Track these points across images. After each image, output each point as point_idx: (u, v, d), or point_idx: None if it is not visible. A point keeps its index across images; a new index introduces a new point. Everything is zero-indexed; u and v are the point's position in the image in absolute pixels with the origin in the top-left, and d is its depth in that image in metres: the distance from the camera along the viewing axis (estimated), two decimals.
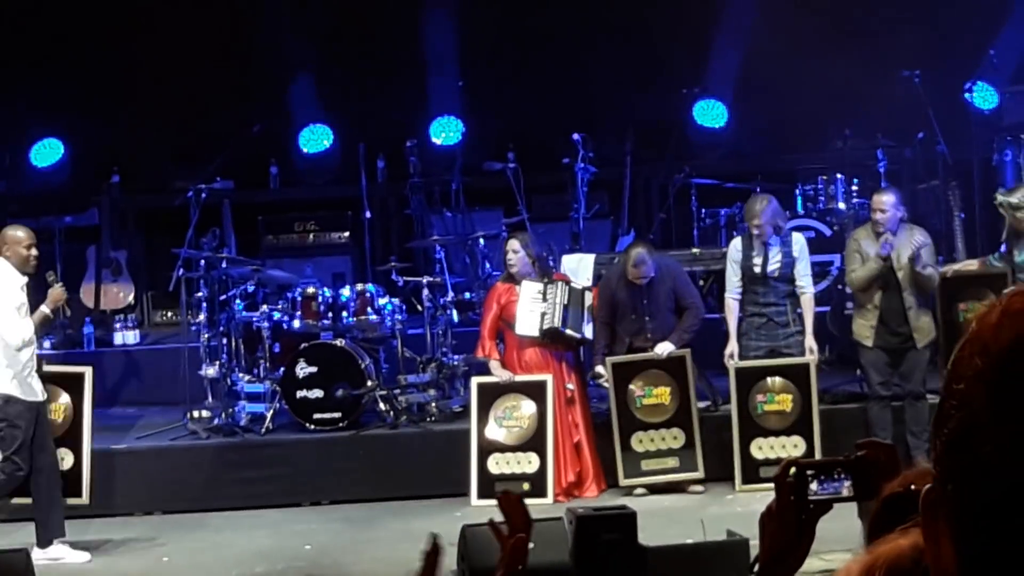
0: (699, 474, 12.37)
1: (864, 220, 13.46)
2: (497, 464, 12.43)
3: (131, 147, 17.47)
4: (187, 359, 13.66)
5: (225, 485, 12.80)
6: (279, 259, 16.51)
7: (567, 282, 12.73)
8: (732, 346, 12.52)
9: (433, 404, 13.37)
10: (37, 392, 11.06)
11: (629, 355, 12.54)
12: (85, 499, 11.92)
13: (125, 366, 15.33)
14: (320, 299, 13.57)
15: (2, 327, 10.83)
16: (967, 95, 16.67)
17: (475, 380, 12.73)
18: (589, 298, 12.69)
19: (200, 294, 13.75)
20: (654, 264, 12.38)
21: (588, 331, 12.63)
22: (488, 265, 15.21)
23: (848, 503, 2.69)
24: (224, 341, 13.64)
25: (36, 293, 11.41)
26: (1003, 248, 12.56)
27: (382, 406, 13.23)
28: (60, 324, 14.87)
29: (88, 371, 12.19)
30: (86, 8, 17.46)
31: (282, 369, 13.24)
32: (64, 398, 12.01)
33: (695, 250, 14.76)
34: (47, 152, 17.91)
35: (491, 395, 12.57)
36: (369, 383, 13.12)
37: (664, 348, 12.42)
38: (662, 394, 12.49)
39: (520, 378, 12.54)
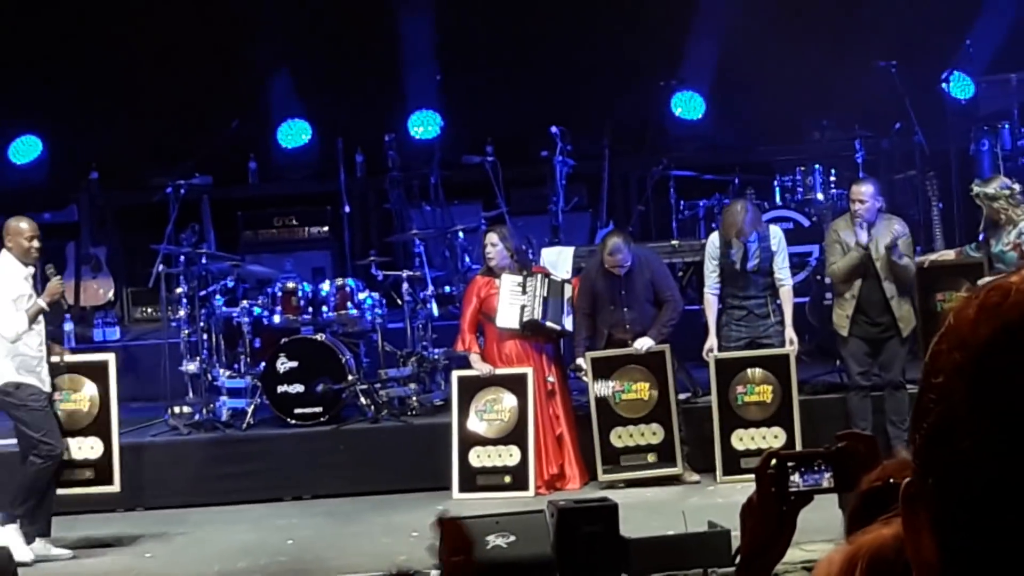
0: (678, 470, 12.37)
1: (842, 211, 13.48)
2: (479, 457, 12.45)
3: (110, 144, 17.43)
4: (167, 355, 13.66)
5: (206, 481, 12.79)
6: (258, 254, 16.51)
7: (546, 275, 12.75)
8: (712, 341, 12.54)
9: (414, 398, 13.38)
10: (45, 383, 11.07)
11: (608, 350, 12.55)
12: (116, 487, 11.88)
13: None
14: (300, 294, 13.56)
15: None
16: (943, 85, 16.70)
17: (456, 374, 12.74)
18: (569, 290, 12.71)
19: (180, 290, 13.74)
20: (631, 254, 12.40)
21: (568, 323, 12.65)
22: (468, 259, 15.23)
23: (829, 494, 2.71)
24: (204, 337, 13.62)
25: (38, 285, 11.41)
26: (981, 238, 12.60)
27: (363, 400, 13.23)
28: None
29: (111, 359, 12.14)
30: (64, 6, 17.43)
31: (262, 364, 13.24)
32: (89, 387, 11.89)
33: (674, 242, 14.80)
34: (26, 149, 17.88)
35: (472, 388, 12.58)
36: (350, 377, 13.12)
37: (643, 344, 12.43)
38: (641, 390, 12.50)
39: (501, 371, 12.55)
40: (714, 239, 12.74)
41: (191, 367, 13.51)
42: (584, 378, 12.54)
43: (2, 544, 10.77)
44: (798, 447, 11.50)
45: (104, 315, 16.03)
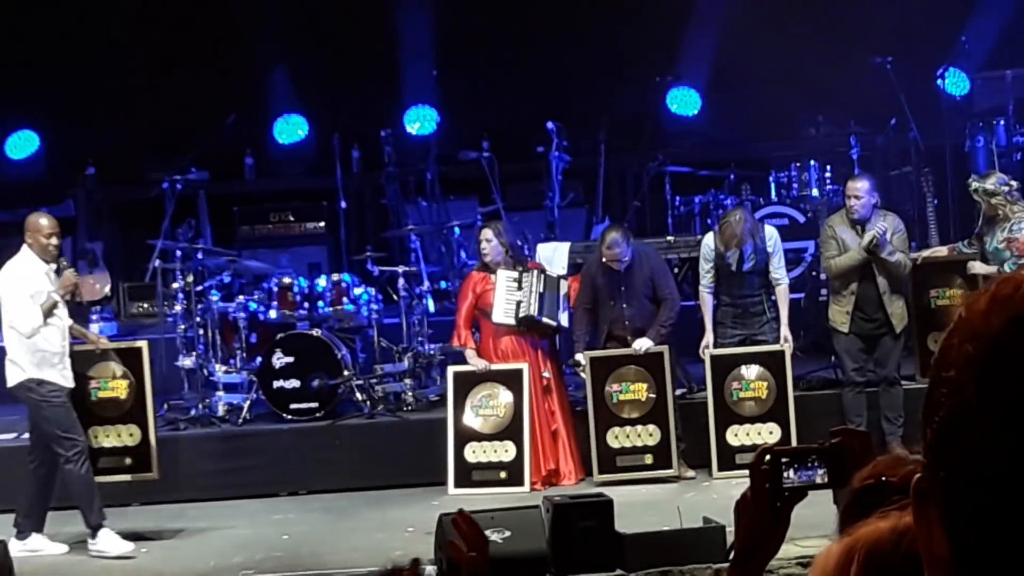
0: (673, 471, 12.35)
1: (837, 207, 13.51)
2: (474, 453, 12.46)
3: (106, 139, 17.43)
4: (164, 350, 13.67)
5: (202, 476, 12.79)
6: (255, 249, 16.52)
7: (542, 270, 12.76)
8: (708, 338, 12.55)
9: (410, 393, 13.38)
10: (67, 379, 11.10)
11: (607, 350, 12.54)
12: (155, 474, 11.91)
13: None
14: (296, 289, 13.56)
15: (13, 315, 10.86)
16: (939, 81, 16.74)
17: (451, 369, 12.75)
18: (564, 286, 12.72)
19: (176, 285, 13.75)
20: (630, 249, 12.39)
21: (564, 319, 12.66)
22: (463, 254, 15.24)
23: (824, 490, 2.72)
24: (200, 332, 13.63)
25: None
26: (976, 233, 12.61)
27: (359, 396, 13.24)
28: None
29: (144, 345, 12.14)
30: (61, 2, 17.43)
31: (259, 359, 13.25)
32: (125, 374, 11.91)
33: (670, 238, 14.81)
34: (22, 144, 17.89)
35: (468, 384, 12.58)
36: (346, 373, 13.13)
37: (642, 344, 12.42)
38: (639, 390, 12.49)
39: (496, 367, 12.56)
40: (708, 241, 12.70)
41: (187, 362, 13.51)
42: (582, 374, 12.54)
43: (33, 548, 10.89)
44: (793, 443, 11.53)
45: (100, 310, 16.01)
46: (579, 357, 12.52)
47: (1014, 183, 12.22)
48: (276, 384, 13.10)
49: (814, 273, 14.32)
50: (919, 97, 15.89)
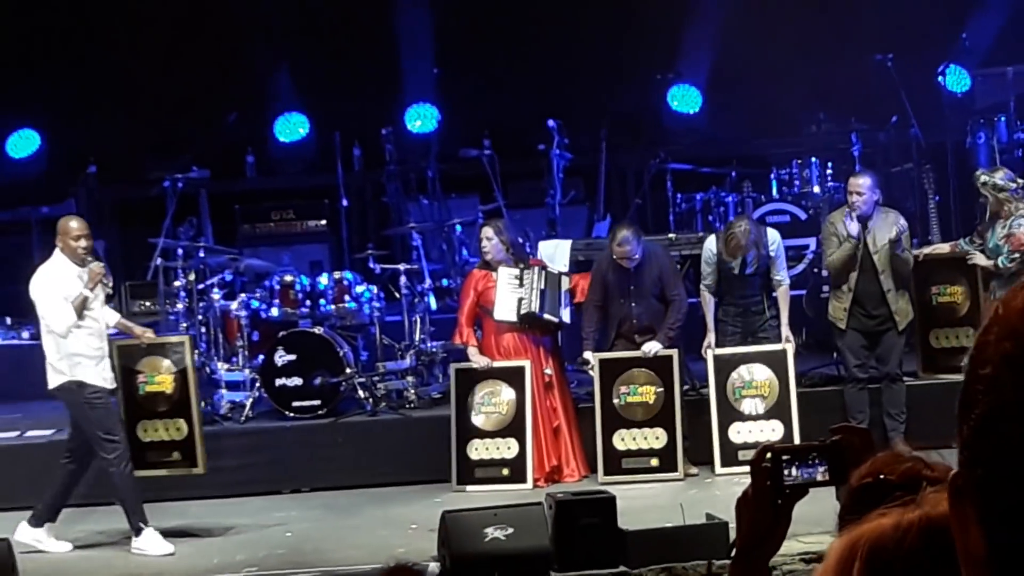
0: (679, 475, 12.31)
1: (839, 204, 13.50)
2: (477, 450, 12.47)
3: (107, 138, 17.42)
4: None
5: (205, 473, 12.79)
6: (256, 248, 16.51)
7: (543, 267, 12.77)
8: (711, 338, 12.55)
9: (412, 391, 13.39)
10: (107, 381, 11.12)
11: (616, 352, 12.53)
12: (201, 468, 11.90)
13: None
14: (298, 287, 13.57)
15: (47, 316, 10.87)
16: (940, 78, 16.74)
17: (454, 366, 12.76)
18: (566, 282, 12.72)
19: (178, 283, 13.76)
20: (640, 247, 12.37)
21: (566, 315, 12.67)
22: (465, 252, 15.25)
23: (825, 487, 2.73)
24: (202, 330, 13.65)
25: None
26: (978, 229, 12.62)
27: (361, 393, 13.24)
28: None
29: (187, 340, 12.13)
30: (60, 2, 17.43)
31: (261, 357, 13.26)
32: (169, 368, 11.87)
33: (671, 235, 14.77)
34: (23, 143, 17.88)
35: (470, 381, 12.59)
36: (348, 370, 13.13)
37: (651, 347, 12.41)
38: (647, 393, 12.47)
39: (498, 364, 12.56)
40: (710, 245, 12.67)
41: None
42: (590, 372, 12.53)
43: (35, 538, 10.92)
44: (796, 440, 11.53)
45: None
46: (587, 356, 12.51)
47: (1020, 180, 12.23)
48: (278, 382, 13.11)
49: (815, 270, 14.32)
50: (920, 94, 15.89)
